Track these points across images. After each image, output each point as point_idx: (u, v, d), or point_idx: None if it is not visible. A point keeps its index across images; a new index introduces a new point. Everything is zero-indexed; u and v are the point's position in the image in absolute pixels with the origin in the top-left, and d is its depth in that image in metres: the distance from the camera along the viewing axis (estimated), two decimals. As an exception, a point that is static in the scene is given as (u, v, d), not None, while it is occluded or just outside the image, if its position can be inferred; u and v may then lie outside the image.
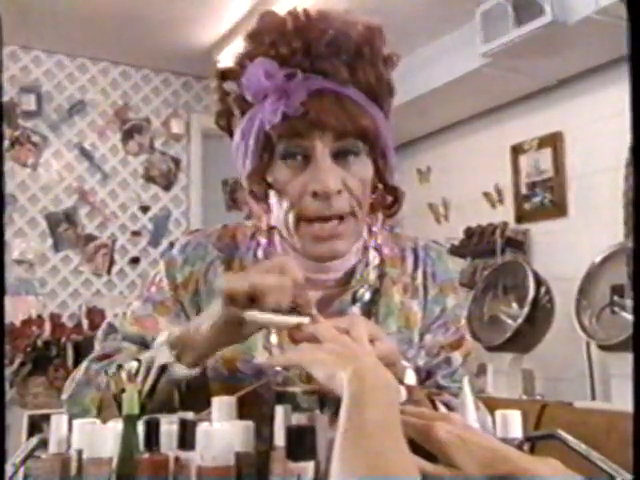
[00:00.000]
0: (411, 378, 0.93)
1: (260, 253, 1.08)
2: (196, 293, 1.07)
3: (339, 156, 0.96)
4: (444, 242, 3.82)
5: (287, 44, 0.95)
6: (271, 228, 1.06)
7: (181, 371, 0.91)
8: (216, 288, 0.91)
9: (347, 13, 0.99)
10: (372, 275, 1.07)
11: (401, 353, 1.02)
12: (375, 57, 0.99)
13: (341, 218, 0.97)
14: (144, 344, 1.04)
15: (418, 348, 1.09)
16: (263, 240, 1.08)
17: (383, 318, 1.06)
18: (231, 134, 1.05)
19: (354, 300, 1.05)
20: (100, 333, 1.11)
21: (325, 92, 0.94)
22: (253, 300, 0.83)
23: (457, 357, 1.10)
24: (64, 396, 1.05)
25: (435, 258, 1.13)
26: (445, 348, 1.10)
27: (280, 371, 0.99)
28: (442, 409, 0.99)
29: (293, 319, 0.85)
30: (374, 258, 1.09)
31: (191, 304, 1.07)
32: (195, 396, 0.95)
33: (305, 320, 0.86)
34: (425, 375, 1.09)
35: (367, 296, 1.06)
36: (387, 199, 1.05)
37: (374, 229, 1.10)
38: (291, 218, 0.97)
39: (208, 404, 0.82)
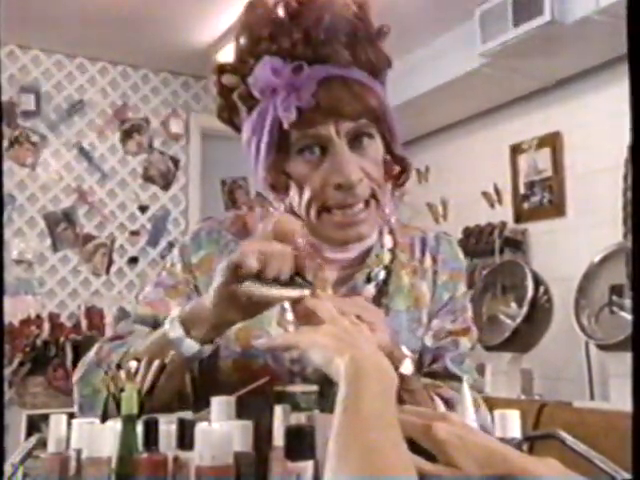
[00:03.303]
0: (407, 367, 0.94)
1: None
2: (210, 275, 1.05)
3: (355, 142, 0.97)
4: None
5: (287, 36, 0.95)
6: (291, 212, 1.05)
7: (192, 347, 0.90)
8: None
9: None
10: (387, 256, 1.10)
11: (410, 331, 1.05)
12: (370, 33, 1.00)
13: (365, 203, 0.99)
14: (156, 326, 1.03)
15: (426, 329, 1.11)
16: None
17: (393, 297, 1.09)
18: (234, 127, 1.06)
19: (369, 279, 1.07)
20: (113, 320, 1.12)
21: (332, 78, 0.94)
22: (257, 274, 0.83)
23: (465, 342, 1.13)
24: (75, 378, 1.04)
25: (447, 246, 1.15)
26: (452, 334, 1.12)
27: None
28: (439, 404, 0.99)
29: (292, 292, 0.84)
30: (389, 241, 1.12)
31: (207, 285, 1.04)
32: (207, 384, 0.95)
33: (305, 292, 0.84)
34: (432, 358, 1.11)
35: (381, 276, 1.08)
36: (395, 169, 1.06)
37: (388, 213, 1.10)
38: (314, 208, 0.98)
39: (220, 392, 0.82)
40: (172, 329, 0.91)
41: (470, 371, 1.13)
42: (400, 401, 0.72)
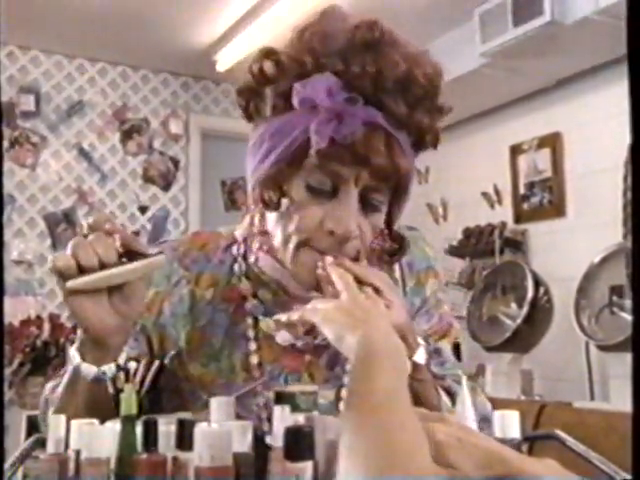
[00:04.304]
0: (421, 356, 0.91)
1: (237, 267, 1.02)
2: (160, 315, 1.02)
3: (365, 200, 0.90)
4: (443, 242, 3.83)
5: (360, 64, 0.87)
6: (264, 233, 0.98)
7: (89, 370, 0.87)
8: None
9: (409, 44, 0.93)
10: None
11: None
12: (434, 104, 0.93)
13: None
14: None
15: None
16: (255, 246, 1.01)
17: None
18: (247, 115, 0.96)
19: None
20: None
21: (379, 128, 0.86)
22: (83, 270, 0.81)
23: (446, 346, 1.08)
24: (39, 414, 1.02)
25: (412, 247, 1.06)
26: (432, 336, 1.06)
27: (260, 392, 0.98)
28: (444, 398, 0.98)
29: (129, 266, 0.82)
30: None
31: (154, 326, 1.02)
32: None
33: (157, 259, 0.83)
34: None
35: None
36: (390, 245, 0.99)
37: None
38: (294, 242, 0.91)
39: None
40: (74, 358, 0.89)
41: (453, 368, 1.08)
42: (411, 391, 0.70)
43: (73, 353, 0.89)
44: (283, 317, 0.88)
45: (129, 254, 0.83)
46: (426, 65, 0.92)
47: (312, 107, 0.86)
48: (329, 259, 0.87)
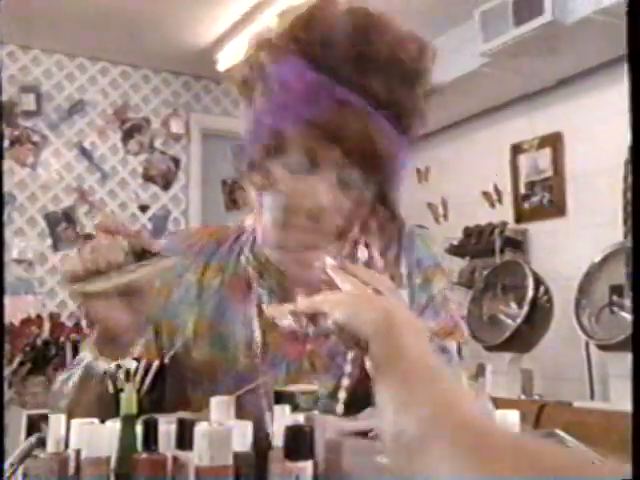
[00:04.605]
0: None
1: (243, 256, 1.04)
2: (167, 303, 1.04)
3: (341, 179, 0.91)
4: (443, 242, 3.82)
5: (340, 49, 0.88)
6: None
7: (103, 365, 0.90)
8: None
9: (397, 26, 0.92)
10: None
11: None
12: (418, 85, 0.93)
13: (318, 234, 0.93)
14: None
15: None
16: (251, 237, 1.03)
17: None
18: (249, 99, 0.97)
19: None
20: None
21: (350, 106, 0.87)
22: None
23: (453, 346, 1.06)
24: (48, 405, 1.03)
25: (419, 244, 1.08)
26: (438, 335, 1.05)
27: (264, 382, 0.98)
28: None
29: (142, 270, 0.83)
30: (362, 253, 1.04)
31: (162, 315, 1.03)
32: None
33: (166, 263, 0.85)
34: None
35: None
36: (384, 223, 0.99)
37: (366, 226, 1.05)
38: (271, 219, 0.92)
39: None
40: (88, 353, 0.92)
41: (458, 367, 1.09)
42: None
43: (87, 348, 0.92)
44: (289, 307, 0.89)
45: (141, 253, 0.84)
46: (411, 47, 0.92)
47: (286, 89, 0.88)
48: (330, 261, 0.87)
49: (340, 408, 0.97)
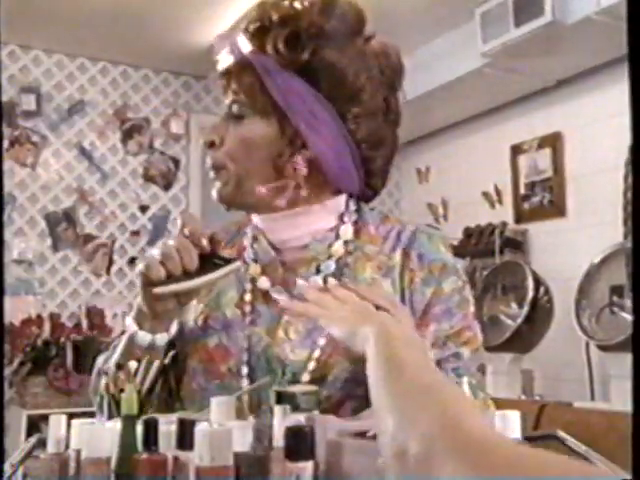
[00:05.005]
0: None
1: (249, 228, 1.19)
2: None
3: (229, 113, 1.12)
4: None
5: (255, 19, 1.05)
6: None
7: (144, 338, 0.99)
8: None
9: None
10: (339, 248, 1.07)
11: None
12: (311, 38, 1.02)
13: (219, 170, 1.21)
14: None
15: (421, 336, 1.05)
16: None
17: None
18: None
19: (318, 270, 1.06)
20: None
21: (237, 51, 1.06)
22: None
23: (467, 354, 1.03)
24: (90, 389, 1.12)
25: (424, 240, 1.08)
26: (452, 339, 1.02)
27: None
28: None
29: (211, 276, 0.94)
30: (345, 232, 1.08)
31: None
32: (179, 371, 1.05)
33: (230, 268, 0.95)
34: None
35: (332, 267, 1.05)
36: (302, 167, 1.06)
37: (353, 206, 1.11)
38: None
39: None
40: (130, 325, 1.01)
41: (471, 376, 1.07)
42: None
43: (129, 322, 1.02)
44: (286, 304, 0.97)
45: (208, 258, 0.95)
46: (314, 12, 1.03)
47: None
48: (333, 283, 0.92)
49: (306, 377, 1.00)
